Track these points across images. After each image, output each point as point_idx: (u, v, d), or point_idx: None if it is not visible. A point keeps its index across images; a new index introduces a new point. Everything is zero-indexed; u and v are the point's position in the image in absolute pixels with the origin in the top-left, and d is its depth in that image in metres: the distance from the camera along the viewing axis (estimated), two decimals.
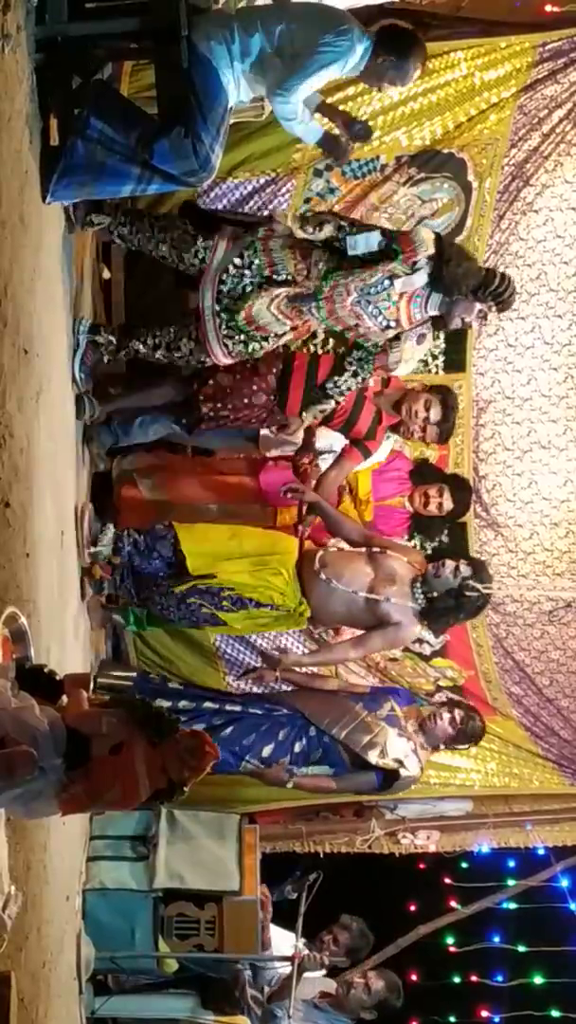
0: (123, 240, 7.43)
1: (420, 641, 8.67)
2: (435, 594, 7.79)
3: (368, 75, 6.88)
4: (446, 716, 8.45)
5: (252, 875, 8.30)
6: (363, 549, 7.99)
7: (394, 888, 10.51)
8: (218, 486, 8.58)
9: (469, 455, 9.24)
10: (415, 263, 7.12)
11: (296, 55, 6.48)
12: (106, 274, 8.72)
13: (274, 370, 8.01)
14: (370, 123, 8.42)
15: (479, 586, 7.79)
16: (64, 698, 4.76)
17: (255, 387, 7.97)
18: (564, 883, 10.07)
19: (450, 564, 7.87)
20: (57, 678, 4.83)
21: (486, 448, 9.44)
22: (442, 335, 9.13)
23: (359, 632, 8.09)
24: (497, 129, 8.64)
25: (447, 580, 7.80)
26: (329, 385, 7.68)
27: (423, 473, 8.87)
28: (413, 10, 8.07)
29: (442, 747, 8.65)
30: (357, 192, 8.75)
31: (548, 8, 8.40)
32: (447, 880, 10.30)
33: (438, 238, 7.30)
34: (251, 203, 8.67)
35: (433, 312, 7.42)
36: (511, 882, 10.27)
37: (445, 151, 8.70)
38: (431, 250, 7.13)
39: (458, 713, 8.48)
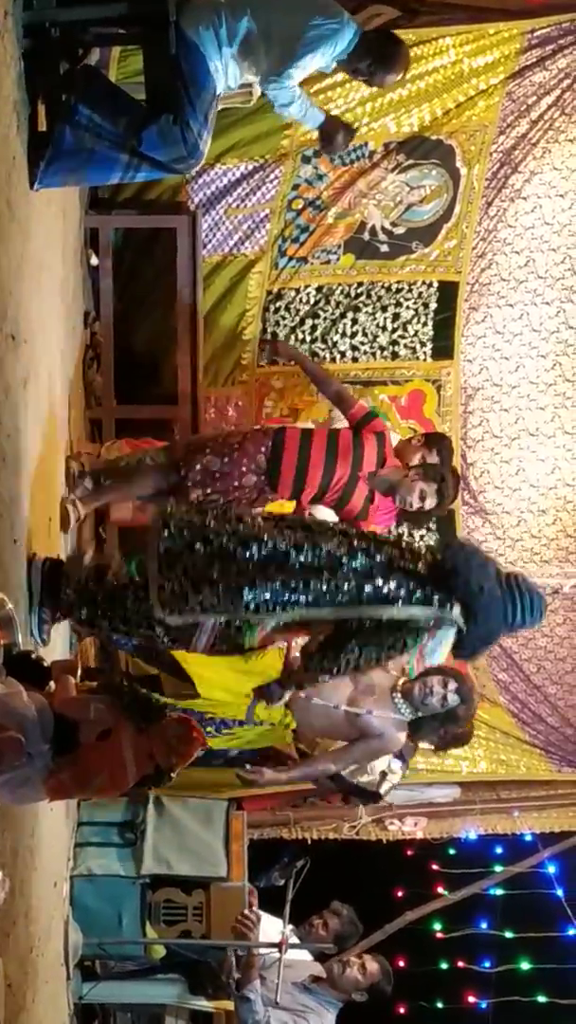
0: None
1: None
2: (420, 715, 7.52)
3: (347, 66, 6.85)
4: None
5: (240, 861, 8.31)
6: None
7: (381, 874, 10.52)
8: None
9: (457, 442, 9.24)
10: None
11: (285, 39, 6.46)
12: (94, 260, 8.71)
13: (263, 449, 7.69)
14: (358, 109, 8.48)
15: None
16: (52, 684, 4.77)
17: (244, 468, 7.66)
18: (551, 869, 10.10)
19: (438, 692, 7.48)
20: (45, 665, 4.84)
21: (474, 435, 9.45)
22: (430, 321, 9.15)
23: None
24: (485, 116, 8.65)
25: (433, 707, 7.48)
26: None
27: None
28: None
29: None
30: (345, 179, 8.76)
31: None
32: (434, 866, 10.33)
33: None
34: (239, 189, 8.67)
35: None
36: (498, 868, 10.30)
37: (433, 138, 8.71)
38: None
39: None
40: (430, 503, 7.81)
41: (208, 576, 5.51)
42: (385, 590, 5.53)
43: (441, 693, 7.46)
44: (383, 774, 8.25)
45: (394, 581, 5.54)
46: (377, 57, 6.71)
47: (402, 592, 5.54)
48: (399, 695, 7.49)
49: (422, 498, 7.78)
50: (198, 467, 7.60)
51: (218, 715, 7.55)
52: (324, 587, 5.53)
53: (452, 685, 7.50)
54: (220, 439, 7.78)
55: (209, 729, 7.49)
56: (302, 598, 5.53)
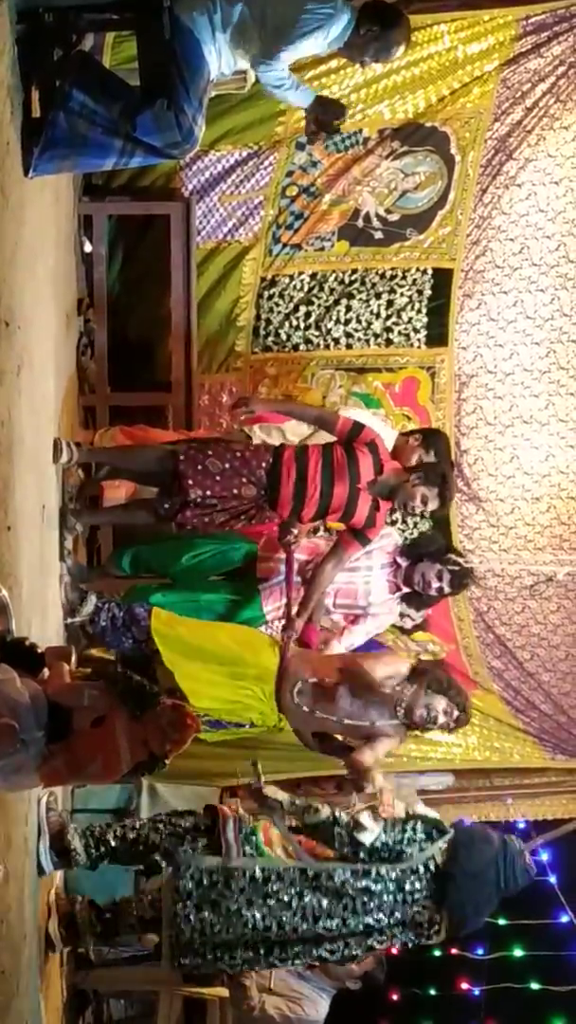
0: None
1: (402, 615, 8.62)
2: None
3: (351, 50, 6.80)
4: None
5: None
6: (341, 675, 7.45)
7: None
8: None
9: (451, 429, 9.24)
10: None
11: (278, 24, 6.44)
12: (88, 247, 8.69)
13: (264, 464, 7.62)
14: (352, 96, 8.46)
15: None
16: (46, 671, 4.76)
17: (244, 479, 7.57)
18: (544, 857, 10.09)
19: (441, 703, 7.30)
20: (39, 651, 4.83)
21: (468, 422, 9.45)
22: (425, 308, 9.15)
23: None
24: (480, 103, 8.65)
25: (432, 728, 7.43)
26: None
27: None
28: None
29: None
30: (339, 165, 8.76)
31: None
32: None
33: None
34: (234, 176, 8.66)
35: None
36: None
37: (428, 124, 8.71)
38: None
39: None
40: (432, 506, 7.81)
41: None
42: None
43: (444, 707, 7.41)
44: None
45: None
46: (377, 24, 6.66)
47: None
48: (402, 711, 7.41)
49: (424, 502, 7.77)
50: (199, 466, 7.56)
51: (212, 716, 7.52)
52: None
53: (455, 713, 7.46)
54: (223, 444, 7.74)
55: (203, 727, 7.49)
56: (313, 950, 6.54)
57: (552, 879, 9.93)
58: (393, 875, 6.46)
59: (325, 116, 6.86)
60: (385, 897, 6.47)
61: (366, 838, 6.43)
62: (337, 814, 6.56)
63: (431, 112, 8.64)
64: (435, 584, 8.20)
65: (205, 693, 7.34)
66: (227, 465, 7.55)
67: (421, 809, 6.72)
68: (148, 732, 4.80)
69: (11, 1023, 5.30)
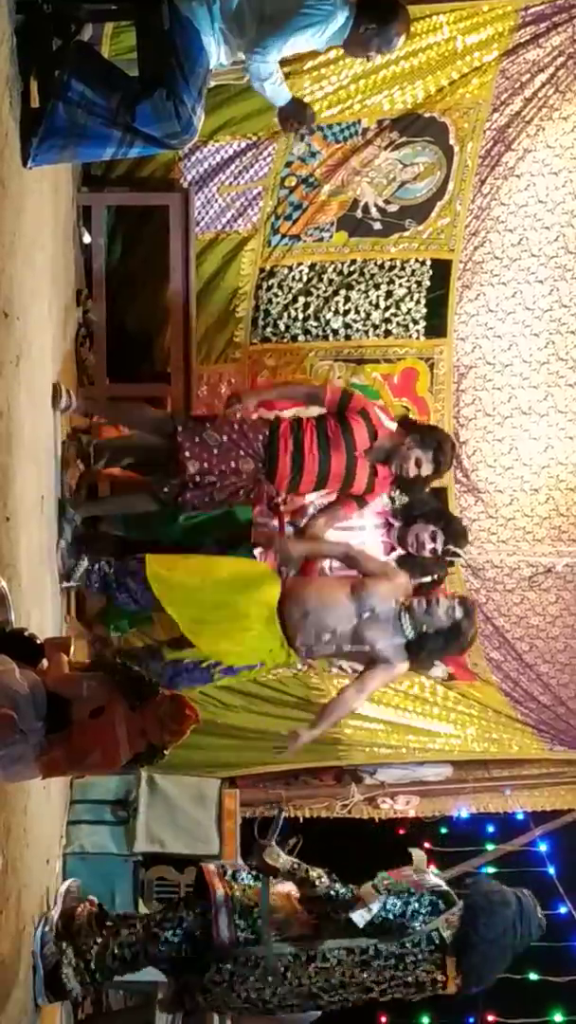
0: None
1: None
2: (424, 629, 7.43)
3: (352, 46, 6.83)
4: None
5: (232, 839, 8.34)
6: (347, 591, 7.49)
7: (373, 853, 10.52)
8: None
9: (450, 421, 9.24)
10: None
11: (275, 16, 6.44)
12: (87, 238, 8.69)
13: (260, 437, 7.74)
14: (351, 87, 8.46)
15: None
16: (45, 662, 4.76)
17: (242, 452, 7.68)
18: (542, 847, 10.13)
19: (444, 603, 7.48)
20: (38, 642, 4.83)
21: (467, 414, 9.45)
22: (423, 299, 9.14)
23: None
24: (479, 93, 8.63)
25: (439, 620, 7.42)
26: None
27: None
28: None
29: None
30: (338, 156, 8.75)
31: None
32: (426, 845, 10.32)
33: None
34: (232, 167, 8.65)
35: None
36: (490, 847, 10.32)
37: (427, 115, 8.70)
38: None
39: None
40: (427, 470, 7.85)
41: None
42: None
43: (447, 604, 7.46)
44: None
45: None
46: (376, 20, 6.67)
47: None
48: (406, 616, 7.45)
49: (418, 465, 7.84)
50: (196, 438, 7.63)
51: (223, 664, 7.48)
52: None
53: (456, 599, 7.56)
54: (221, 419, 7.80)
55: (216, 675, 7.48)
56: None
57: (551, 870, 9.96)
58: (393, 950, 6.34)
59: (293, 118, 6.92)
60: (385, 972, 6.35)
61: (360, 920, 6.34)
62: (336, 891, 6.45)
63: (430, 102, 8.63)
64: (428, 545, 8.23)
65: (210, 642, 7.37)
66: (225, 438, 7.67)
67: (431, 880, 6.61)
68: (147, 723, 4.80)
69: (11, 1012, 5.31)
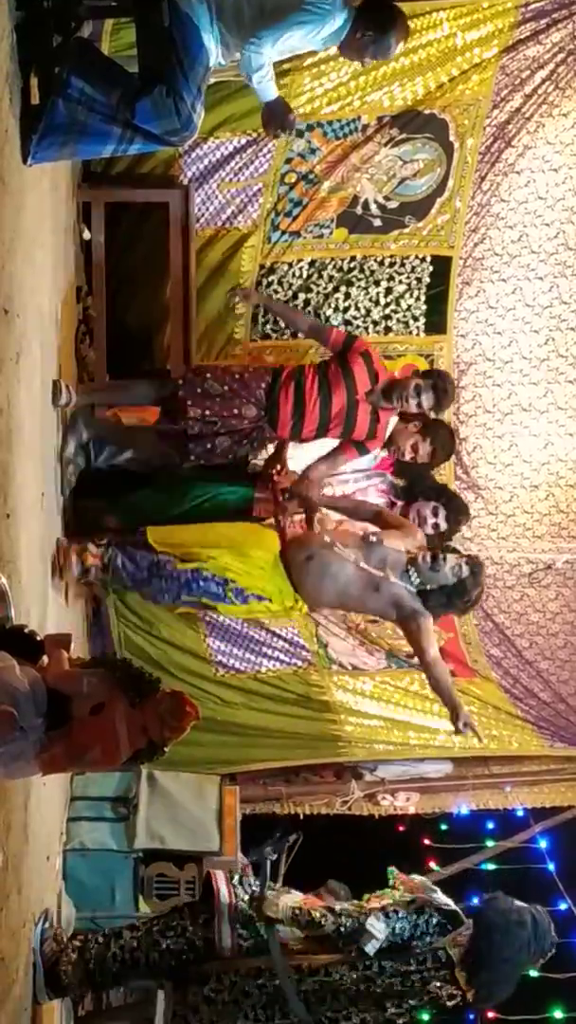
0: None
1: None
2: (428, 586, 7.50)
3: (348, 50, 6.88)
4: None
5: (232, 836, 8.34)
6: (356, 537, 7.63)
7: (373, 849, 10.53)
8: None
9: (450, 417, 9.24)
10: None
11: (274, 12, 6.45)
12: (87, 235, 8.69)
13: (263, 384, 7.93)
14: (351, 83, 8.45)
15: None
16: (45, 658, 4.76)
17: (245, 398, 7.86)
18: (542, 844, 10.11)
19: (451, 560, 7.52)
20: (38, 638, 4.83)
21: (467, 410, 9.44)
22: (423, 295, 9.14)
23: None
24: (479, 90, 8.63)
25: (444, 576, 7.48)
26: None
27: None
28: None
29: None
30: (338, 153, 8.73)
31: None
32: (426, 842, 10.33)
33: None
34: (232, 163, 8.64)
35: None
36: (490, 843, 10.31)
37: (427, 111, 8.69)
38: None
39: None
40: (427, 403, 8.10)
41: None
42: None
43: (454, 562, 7.48)
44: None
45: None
46: (373, 28, 6.69)
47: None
48: (412, 569, 7.47)
49: (418, 392, 7.96)
50: (198, 389, 7.83)
51: (238, 582, 7.51)
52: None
53: (464, 558, 7.60)
54: (221, 369, 8.03)
55: (229, 595, 7.47)
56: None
57: (551, 867, 9.94)
58: (399, 967, 6.37)
59: (276, 120, 6.93)
60: (393, 988, 6.35)
61: (371, 948, 6.33)
62: (342, 925, 6.45)
63: (430, 99, 8.62)
64: (431, 520, 8.30)
65: (219, 556, 7.46)
66: (226, 387, 7.88)
67: (439, 899, 6.61)
68: (147, 719, 4.80)
69: (10, 1009, 5.32)
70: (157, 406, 8.16)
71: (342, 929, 6.41)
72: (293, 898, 6.54)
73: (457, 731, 7.54)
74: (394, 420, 8.27)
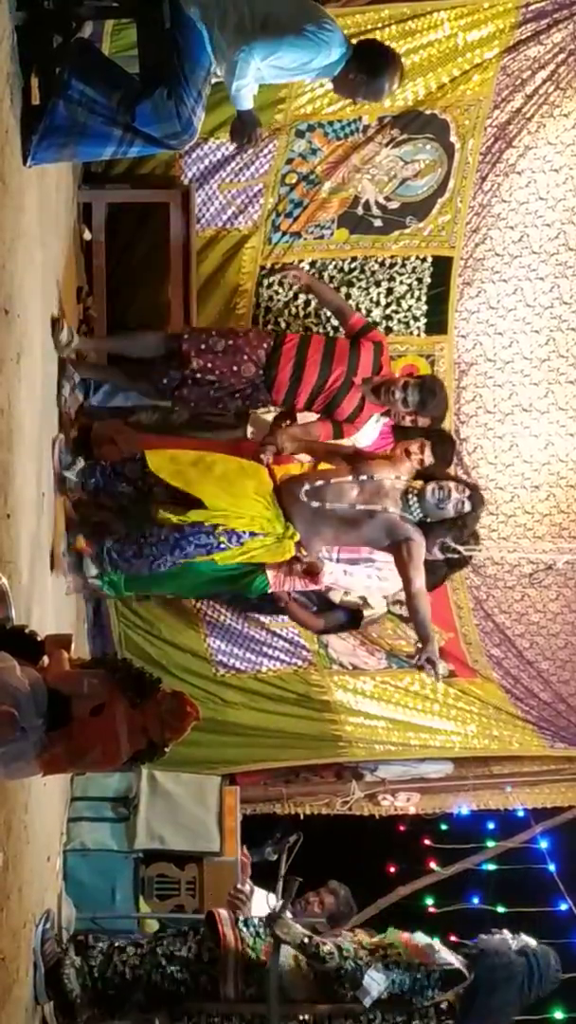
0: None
1: (400, 603, 8.62)
2: (428, 519, 7.49)
3: (340, 87, 6.90)
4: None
5: (233, 836, 8.35)
6: (345, 465, 7.68)
7: (374, 850, 10.55)
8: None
9: (451, 417, 9.24)
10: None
11: (274, 28, 6.43)
12: (87, 235, 8.69)
13: (264, 345, 8.04)
14: None
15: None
16: (45, 659, 4.77)
17: (245, 357, 7.98)
18: (543, 844, 10.13)
19: (455, 497, 7.51)
20: (38, 639, 4.83)
21: (467, 411, 9.44)
22: (424, 296, 9.14)
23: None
24: (480, 90, 8.63)
25: (447, 513, 7.49)
26: None
27: (405, 428, 8.76)
28: None
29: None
30: (339, 153, 8.73)
31: None
32: (427, 842, 10.35)
33: None
34: (233, 164, 8.64)
35: None
36: (490, 843, 10.32)
37: (428, 112, 8.69)
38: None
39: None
40: (413, 399, 8.15)
41: None
42: None
43: (458, 498, 7.50)
44: (363, 600, 8.36)
45: None
46: (365, 72, 6.71)
47: None
48: (413, 497, 7.48)
49: (404, 389, 8.04)
50: (202, 345, 7.95)
51: (228, 524, 7.44)
52: None
53: (467, 492, 7.63)
54: (227, 328, 8.22)
55: (222, 540, 7.43)
56: None
57: (551, 867, 9.96)
58: (398, 1020, 6.37)
59: (243, 128, 6.94)
60: None
61: (368, 1000, 6.31)
62: (345, 969, 6.43)
63: (431, 100, 8.62)
64: (416, 456, 8.27)
65: (213, 493, 7.44)
66: (230, 342, 8.00)
67: (444, 958, 6.57)
68: (147, 720, 4.80)
69: (11, 1009, 5.32)
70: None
71: (343, 971, 6.41)
72: (303, 933, 6.53)
73: (419, 667, 7.47)
74: (378, 421, 8.34)
